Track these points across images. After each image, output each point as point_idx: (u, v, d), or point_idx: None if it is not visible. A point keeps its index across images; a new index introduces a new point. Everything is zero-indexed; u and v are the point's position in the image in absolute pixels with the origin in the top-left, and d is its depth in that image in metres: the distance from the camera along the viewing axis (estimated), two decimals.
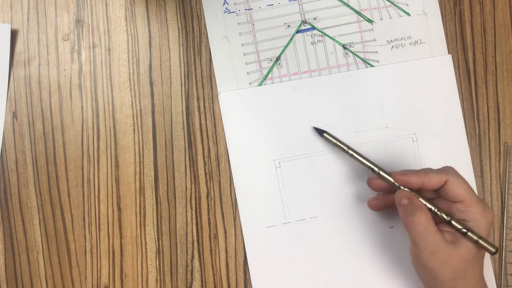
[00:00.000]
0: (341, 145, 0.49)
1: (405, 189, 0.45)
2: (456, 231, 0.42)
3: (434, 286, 0.43)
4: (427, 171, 0.44)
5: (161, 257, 0.50)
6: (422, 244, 0.42)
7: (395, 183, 0.45)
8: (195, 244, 0.51)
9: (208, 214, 0.51)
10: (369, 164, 0.48)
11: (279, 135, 0.51)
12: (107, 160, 0.51)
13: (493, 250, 0.42)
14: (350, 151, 0.49)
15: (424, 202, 0.44)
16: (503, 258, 0.51)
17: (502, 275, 0.51)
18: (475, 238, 0.41)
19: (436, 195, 0.45)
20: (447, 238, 0.42)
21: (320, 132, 0.50)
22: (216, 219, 0.51)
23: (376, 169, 0.47)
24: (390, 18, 0.53)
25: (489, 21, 0.53)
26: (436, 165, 0.51)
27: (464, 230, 0.42)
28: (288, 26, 0.52)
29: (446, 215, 0.43)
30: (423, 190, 0.45)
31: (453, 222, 0.42)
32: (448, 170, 0.43)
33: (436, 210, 0.43)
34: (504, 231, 0.51)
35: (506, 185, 0.52)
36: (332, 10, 0.53)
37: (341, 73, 0.52)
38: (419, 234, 0.42)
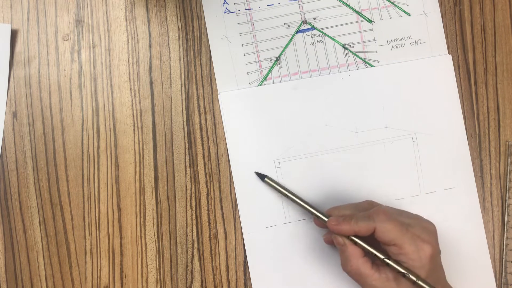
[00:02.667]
0: (282, 190, 0.49)
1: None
2: (397, 272, 0.42)
3: None
4: (358, 218, 0.43)
5: (161, 257, 0.50)
6: (365, 285, 0.43)
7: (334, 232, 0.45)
8: (195, 244, 0.51)
9: (208, 214, 0.51)
10: (308, 208, 0.47)
11: (279, 135, 0.51)
12: (107, 160, 0.51)
13: None
14: (290, 195, 0.49)
15: (361, 244, 0.43)
16: (503, 256, 0.51)
17: (503, 273, 0.51)
18: (413, 279, 0.41)
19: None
20: (389, 276, 0.42)
21: (261, 177, 0.50)
22: (216, 219, 0.51)
23: (316, 213, 0.47)
24: (390, 18, 0.53)
25: (489, 21, 0.53)
26: (436, 165, 0.52)
27: (403, 272, 0.41)
28: (288, 26, 0.52)
29: (384, 258, 0.43)
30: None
31: (391, 264, 0.42)
32: (374, 216, 0.43)
33: (374, 254, 0.43)
34: (505, 229, 0.51)
35: (507, 183, 0.52)
36: (332, 10, 0.53)
37: (341, 73, 0.52)
38: (357, 280, 0.43)
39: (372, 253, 0.43)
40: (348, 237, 0.44)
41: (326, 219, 0.46)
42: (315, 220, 0.49)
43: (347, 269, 0.43)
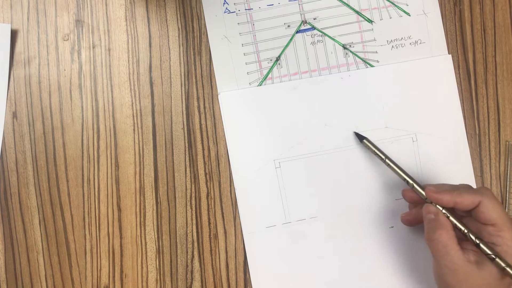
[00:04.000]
0: (379, 154, 0.49)
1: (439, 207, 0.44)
2: (484, 255, 0.41)
3: None
4: (462, 190, 0.43)
5: (161, 257, 0.50)
6: (441, 261, 0.41)
7: (430, 200, 0.44)
8: (195, 244, 0.51)
9: (208, 214, 0.51)
10: (404, 176, 0.47)
11: (279, 135, 0.51)
12: (107, 160, 0.51)
13: None
14: (387, 161, 0.49)
15: (453, 220, 0.43)
16: None
17: None
18: (503, 265, 0.40)
19: (468, 213, 0.44)
20: (471, 258, 0.41)
21: (360, 137, 0.50)
22: (216, 219, 0.51)
23: (410, 181, 0.47)
24: (390, 18, 0.53)
25: (489, 21, 0.53)
26: (436, 165, 0.52)
27: (492, 256, 0.41)
28: (288, 26, 0.52)
29: (476, 238, 0.42)
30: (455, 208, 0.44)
31: (481, 246, 0.41)
32: (483, 192, 0.42)
33: (465, 231, 0.42)
34: None
35: (507, 184, 0.52)
36: (332, 10, 0.53)
37: (341, 73, 0.52)
38: (438, 251, 0.42)
39: (462, 231, 0.42)
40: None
41: (421, 191, 0.45)
42: (405, 191, 0.48)
43: (434, 236, 0.42)
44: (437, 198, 0.43)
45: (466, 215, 0.44)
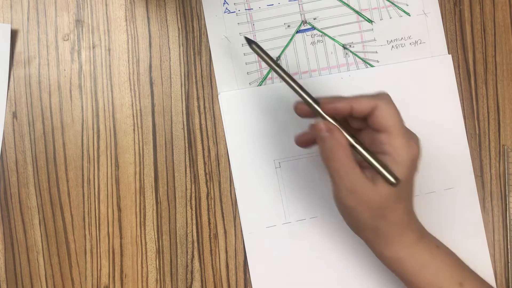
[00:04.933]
0: (268, 60, 0.42)
1: (330, 120, 0.40)
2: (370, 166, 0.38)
3: (358, 228, 0.41)
4: (358, 95, 0.40)
5: (161, 257, 0.50)
6: (341, 182, 0.39)
7: (322, 113, 0.40)
8: (195, 244, 0.51)
9: (208, 214, 0.51)
10: (295, 87, 0.41)
11: (279, 135, 0.51)
12: (107, 160, 0.51)
13: (392, 180, 0.38)
14: (277, 69, 0.42)
15: (346, 135, 0.39)
16: (509, 260, 0.51)
17: (510, 277, 0.50)
18: (378, 166, 0.38)
19: (364, 125, 0.41)
20: (367, 175, 0.39)
21: (249, 42, 0.44)
22: (216, 219, 0.51)
23: (304, 95, 0.41)
24: (390, 18, 0.53)
25: (489, 21, 0.53)
26: (436, 165, 0.52)
27: (369, 158, 0.38)
28: (288, 26, 0.52)
29: (360, 145, 0.39)
30: (352, 119, 0.41)
31: (359, 148, 0.39)
32: (380, 96, 0.39)
33: (353, 143, 0.39)
34: (508, 233, 0.51)
35: (507, 188, 0.52)
36: (332, 10, 0.53)
37: (341, 73, 0.52)
38: (337, 171, 0.39)
39: (351, 144, 0.39)
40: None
41: (314, 105, 0.40)
42: (299, 106, 0.42)
43: (331, 155, 0.39)
44: (332, 107, 0.39)
45: (362, 127, 0.41)
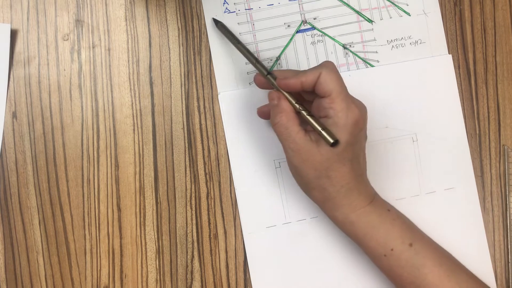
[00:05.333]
0: (231, 37, 0.49)
1: (280, 90, 0.45)
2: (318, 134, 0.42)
3: (306, 187, 0.45)
4: (306, 70, 0.44)
5: (161, 257, 0.50)
6: (285, 143, 0.43)
7: (275, 83, 0.45)
8: (195, 244, 0.51)
9: (208, 214, 0.51)
10: (255, 63, 0.47)
11: None
12: (107, 160, 0.51)
13: (330, 140, 0.41)
14: (239, 45, 0.48)
15: (290, 101, 0.44)
16: (509, 260, 0.51)
17: (510, 277, 0.50)
18: (317, 127, 0.42)
19: (314, 96, 0.45)
20: (312, 138, 0.42)
21: (216, 22, 0.51)
22: (216, 219, 0.51)
23: (264, 72, 0.46)
24: (390, 18, 0.53)
25: (489, 20, 0.53)
26: (436, 165, 0.52)
27: (310, 120, 0.42)
28: (288, 26, 0.52)
29: (303, 110, 0.43)
30: (304, 93, 0.45)
31: (302, 113, 0.43)
32: (323, 65, 0.43)
33: (298, 109, 0.43)
34: (508, 233, 0.51)
35: (507, 188, 0.52)
36: (332, 10, 0.53)
37: (341, 73, 0.52)
38: (281, 134, 0.43)
39: (297, 109, 0.44)
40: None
41: (272, 80, 0.45)
42: (257, 77, 0.47)
43: (276, 120, 0.43)
44: (286, 83, 0.44)
45: (313, 98, 0.45)
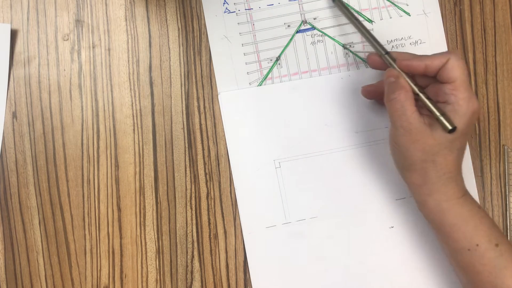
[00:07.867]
0: (350, 16, 0.49)
1: (399, 70, 0.44)
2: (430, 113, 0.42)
3: (405, 168, 0.44)
4: (431, 54, 0.44)
5: (161, 257, 0.50)
6: (398, 121, 0.42)
7: (393, 64, 0.45)
8: (195, 244, 0.51)
9: (208, 214, 0.51)
10: (376, 45, 0.47)
11: (279, 135, 0.51)
12: (107, 160, 0.51)
13: (449, 127, 0.41)
14: (356, 22, 0.49)
15: (409, 82, 0.43)
16: None
17: None
18: (437, 112, 0.41)
19: (430, 81, 0.45)
20: (425, 121, 0.42)
21: None
22: (216, 219, 0.51)
23: (383, 52, 0.46)
24: (390, 18, 0.53)
25: (489, 21, 0.53)
26: None
27: (429, 104, 0.42)
28: (288, 26, 0.52)
29: (423, 94, 0.43)
30: (418, 77, 0.45)
31: (421, 96, 0.43)
32: (452, 52, 0.43)
33: (418, 92, 0.43)
34: (508, 233, 0.51)
35: (507, 187, 0.52)
36: (332, 10, 0.52)
37: (341, 73, 0.52)
38: (396, 111, 0.42)
39: (416, 93, 0.43)
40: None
41: (391, 62, 0.45)
42: (371, 56, 0.48)
43: (394, 95, 0.43)
44: (408, 64, 0.44)
45: (430, 82, 0.45)
